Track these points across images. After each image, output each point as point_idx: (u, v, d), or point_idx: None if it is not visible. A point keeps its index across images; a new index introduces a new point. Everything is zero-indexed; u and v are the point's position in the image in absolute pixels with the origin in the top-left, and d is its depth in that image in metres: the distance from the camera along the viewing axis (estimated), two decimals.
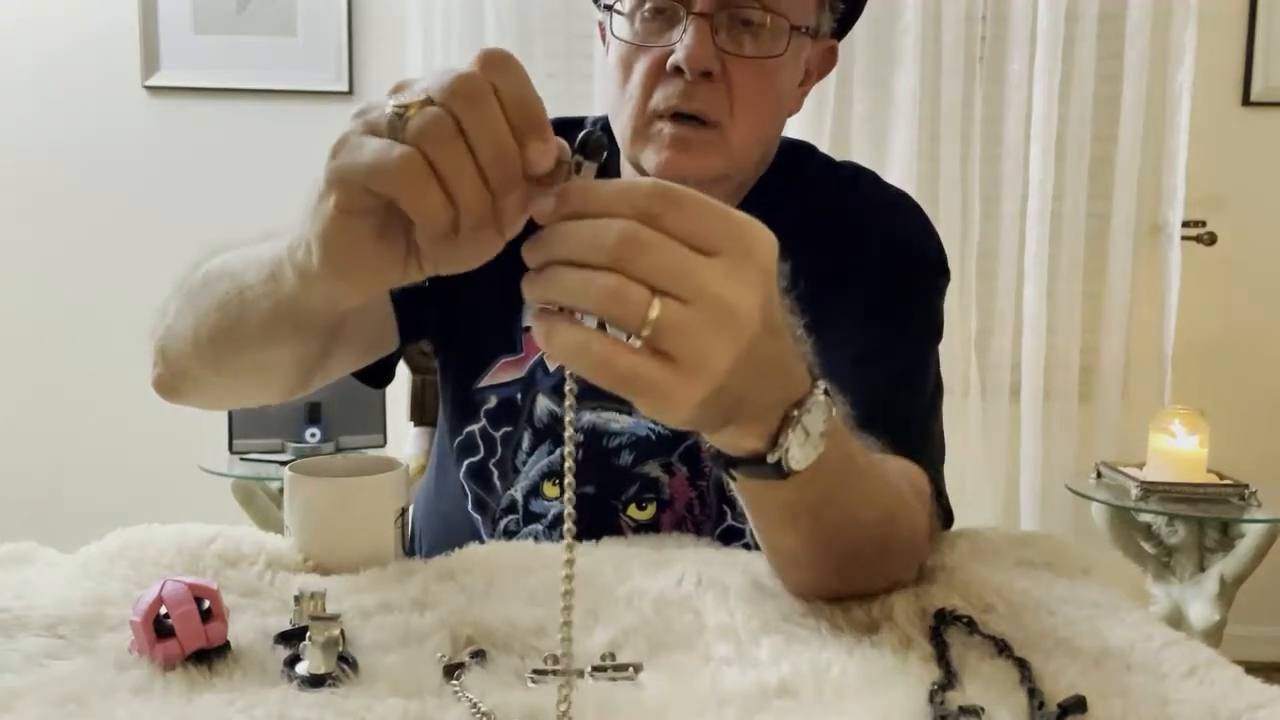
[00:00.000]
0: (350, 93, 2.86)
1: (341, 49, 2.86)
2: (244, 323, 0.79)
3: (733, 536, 1.03)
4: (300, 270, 0.65)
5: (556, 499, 1.03)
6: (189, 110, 2.89)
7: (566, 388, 0.58)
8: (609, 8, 0.99)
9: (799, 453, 0.63)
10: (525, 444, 1.05)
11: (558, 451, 1.04)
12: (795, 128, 2.69)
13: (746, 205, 0.89)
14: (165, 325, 0.89)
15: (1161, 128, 2.80)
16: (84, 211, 2.90)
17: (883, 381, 0.92)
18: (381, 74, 2.85)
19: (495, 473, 1.07)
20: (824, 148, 2.68)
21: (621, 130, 1.00)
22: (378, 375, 1.05)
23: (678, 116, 0.96)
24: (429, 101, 0.53)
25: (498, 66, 0.53)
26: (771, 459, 0.62)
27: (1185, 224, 2.81)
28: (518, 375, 1.05)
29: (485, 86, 0.53)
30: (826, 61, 1.09)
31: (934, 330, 1.08)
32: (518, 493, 1.05)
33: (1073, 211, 2.80)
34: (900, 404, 0.93)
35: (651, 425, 1.02)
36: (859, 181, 1.12)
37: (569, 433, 0.58)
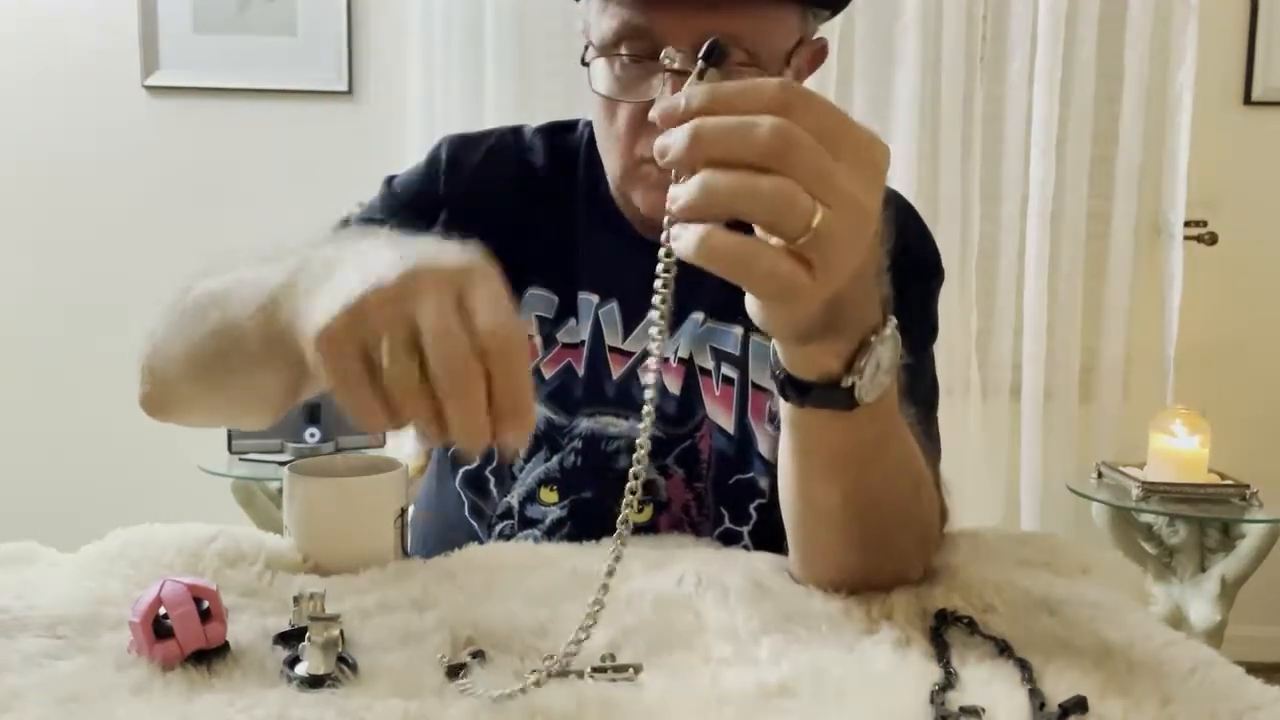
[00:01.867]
0: (350, 93, 2.86)
1: (341, 49, 2.86)
2: (235, 351, 0.77)
3: (731, 539, 1.02)
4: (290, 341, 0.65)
5: (553, 504, 1.03)
6: (189, 110, 2.89)
7: (645, 410, 0.62)
8: (586, 63, 0.96)
9: (869, 383, 0.65)
10: (522, 451, 1.05)
11: (555, 459, 1.04)
12: None
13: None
14: (154, 346, 0.88)
15: (1162, 128, 2.79)
16: (84, 211, 2.90)
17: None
18: (381, 74, 2.86)
19: (492, 479, 1.07)
20: None
21: (610, 169, 1.00)
22: None
23: None
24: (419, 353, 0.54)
25: (497, 333, 0.54)
26: (845, 383, 0.64)
27: (1186, 224, 2.81)
28: None
29: (476, 371, 0.53)
30: (816, 59, 1.09)
31: (930, 331, 1.09)
32: (514, 499, 1.05)
33: (1073, 211, 2.80)
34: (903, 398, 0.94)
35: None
36: None
37: (640, 452, 0.61)
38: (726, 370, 1.04)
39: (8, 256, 2.91)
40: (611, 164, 0.99)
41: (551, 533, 1.03)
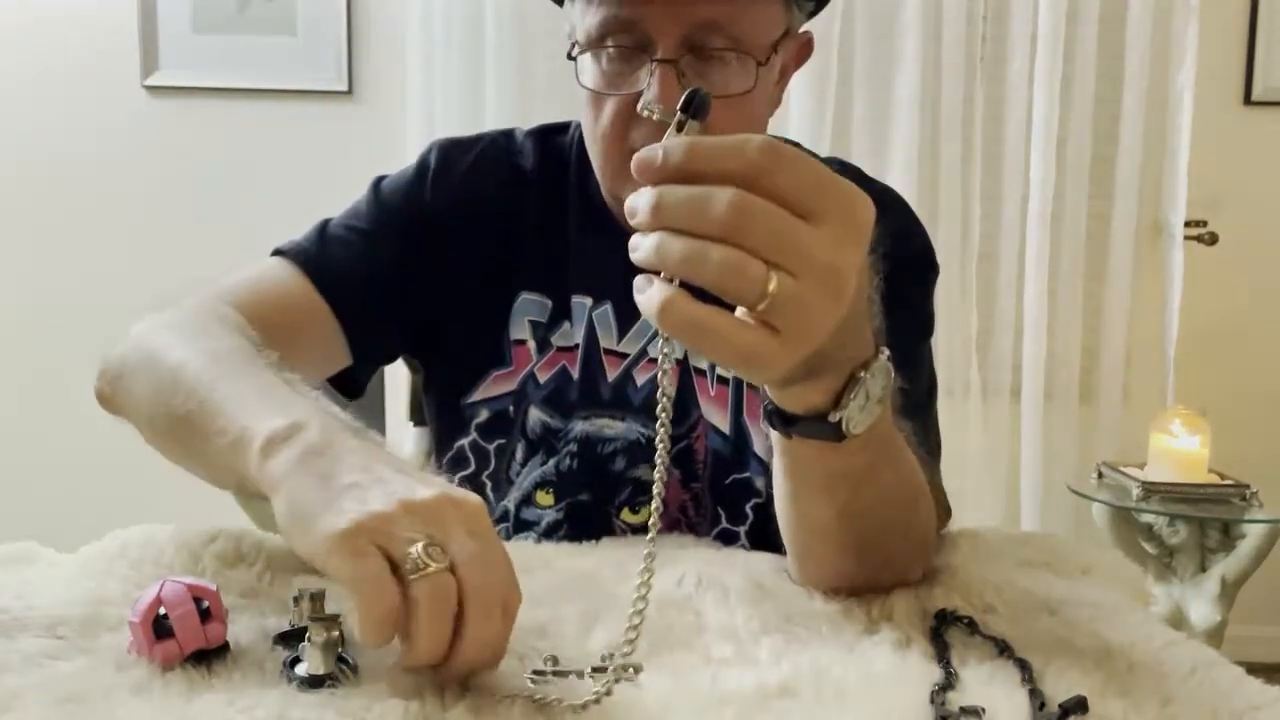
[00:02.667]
0: (350, 93, 2.86)
1: (341, 49, 2.86)
2: (200, 447, 0.78)
3: (728, 539, 1.02)
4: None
5: (549, 507, 1.03)
6: (189, 110, 2.89)
7: (659, 409, 0.62)
8: (573, 58, 0.96)
9: (859, 415, 0.64)
10: (519, 455, 1.05)
11: (551, 462, 1.04)
12: (796, 129, 2.70)
13: None
14: (116, 372, 0.92)
15: (1162, 128, 2.79)
16: (83, 211, 2.90)
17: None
18: (381, 74, 2.86)
19: (489, 484, 1.06)
20: (824, 148, 2.69)
21: (598, 166, 1.00)
22: (349, 385, 1.04)
23: None
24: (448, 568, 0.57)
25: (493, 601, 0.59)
26: (833, 418, 0.63)
27: (1186, 224, 2.81)
28: (509, 388, 1.05)
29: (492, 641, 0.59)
30: (803, 53, 1.07)
31: (927, 325, 1.09)
32: (510, 503, 1.05)
33: (1073, 211, 2.80)
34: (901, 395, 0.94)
35: (643, 430, 1.02)
36: (846, 175, 1.11)
37: (660, 458, 0.65)
38: (721, 370, 1.04)
39: (7, 256, 2.91)
40: (600, 161, 0.99)
41: (548, 535, 1.03)
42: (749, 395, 1.03)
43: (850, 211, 0.54)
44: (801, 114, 2.72)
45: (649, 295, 0.53)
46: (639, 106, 0.89)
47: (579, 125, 1.08)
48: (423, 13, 2.75)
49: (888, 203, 1.09)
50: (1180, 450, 2.36)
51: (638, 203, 0.53)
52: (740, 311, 0.54)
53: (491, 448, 1.06)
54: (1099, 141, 2.80)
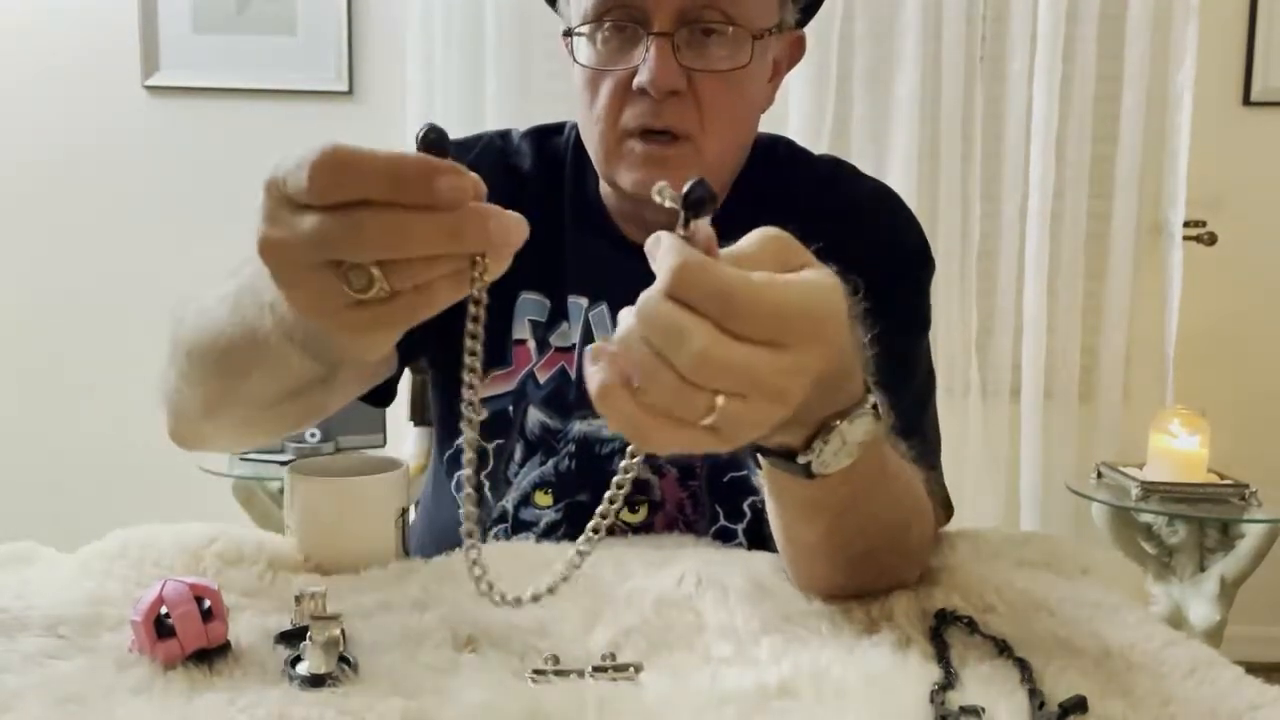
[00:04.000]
0: (350, 93, 2.86)
1: (341, 49, 2.86)
2: (259, 390, 0.78)
3: (726, 537, 1.02)
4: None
5: (548, 507, 1.03)
6: (189, 110, 2.89)
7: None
8: (570, 33, 0.97)
9: (832, 459, 0.62)
10: (517, 456, 1.05)
11: (550, 463, 1.04)
12: (796, 129, 2.70)
13: (726, 206, 0.92)
14: (171, 386, 0.88)
15: (1162, 128, 2.79)
16: (84, 211, 2.90)
17: (878, 372, 0.93)
18: (381, 74, 2.86)
19: (487, 484, 1.06)
20: (824, 148, 2.69)
21: (594, 149, 1.00)
22: (380, 395, 1.03)
23: (648, 133, 0.95)
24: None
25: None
26: (801, 460, 0.62)
27: (1186, 224, 2.81)
28: (508, 388, 1.05)
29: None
30: (795, 52, 1.08)
31: (924, 321, 1.08)
32: (508, 503, 1.05)
33: (1073, 211, 2.80)
34: (896, 392, 0.94)
35: None
36: (839, 175, 1.12)
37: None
38: None
39: (8, 256, 2.91)
40: (596, 143, 0.99)
41: (546, 535, 1.03)
42: None
43: (815, 334, 0.54)
44: (801, 114, 2.72)
45: (593, 378, 0.53)
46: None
47: (574, 126, 1.08)
48: (423, 13, 2.75)
49: (883, 200, 1.10)
50: (1179, 450, 2.36)
51: (594, 375, 0.53)
52: None
53: (490, 447, 1.06)
54: (1099, 141, 2.80)
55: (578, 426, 1.03)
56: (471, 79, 2.75)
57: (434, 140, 0.54)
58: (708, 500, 1.03)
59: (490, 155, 1.09)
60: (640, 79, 0.93)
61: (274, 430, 0.89)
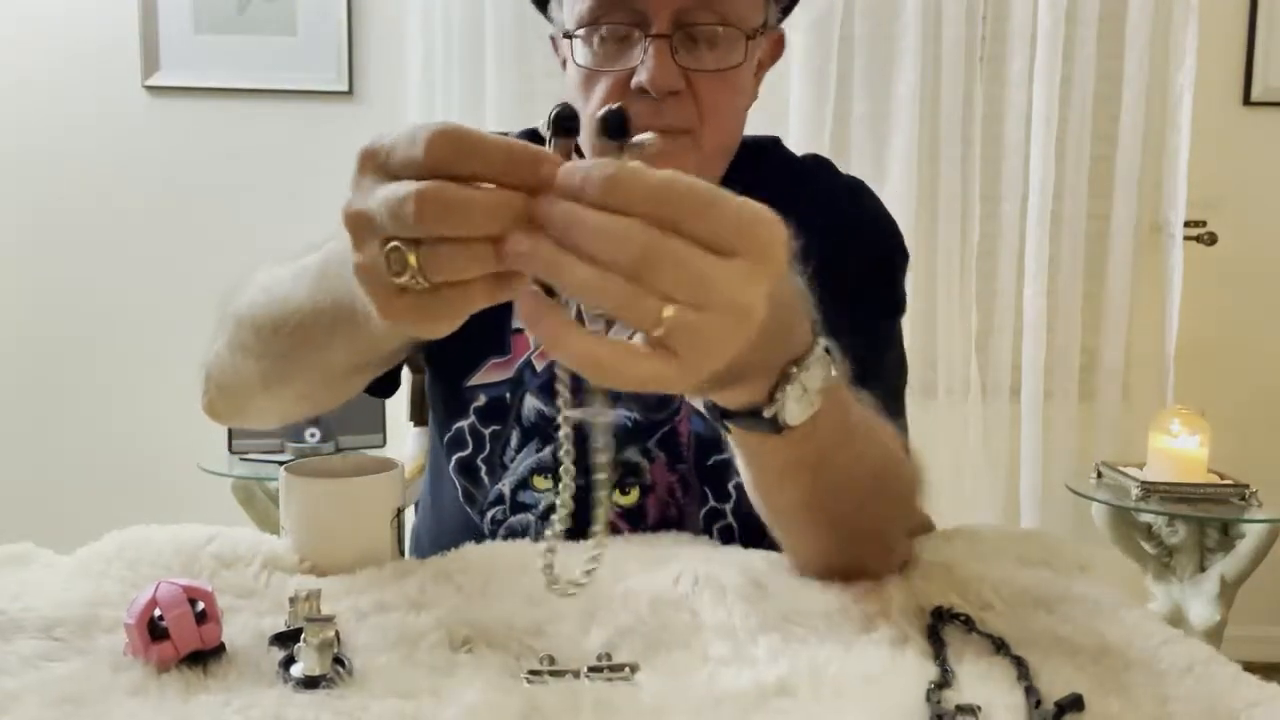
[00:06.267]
0: (350, 93, 2.86)
1: (341, 49, 2.86)
2: (337, 360, 0.81)
3: (716, 517, 1.05)
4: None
5: (546, 490, 1.05)
6: (189, 110, 2.89)
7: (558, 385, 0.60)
8: (569, 35, 1.00)
9: (795, 408, 0.64)
10: (514, 442, 1.07)
11: (546, 449, 1.06)
12: (796, 129, 2.70)
13: None
14: (216, 354, 0.92)
15: (1162, 128, 2.79)
16: (84, 212, 2.90)
17: (854, 352, 0.94)
18: (381, 74, 2.86)
19: (483, 468, 1.09)
20: (824, 148, 2.70)
21: (591, 145, 1.01)
22: (385, 386, 1.06)
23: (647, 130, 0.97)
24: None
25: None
26: (767, 413, 0.63)
27: (1186, 224, 2.81)
28: (506, 375, 1.08)
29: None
30: (776, 50, 1.12)
31: (897, 305, 1.13)
32: (505, 487, 1.07)
33: (1073, 211, 2.80)
34: (869, 369, 0.96)
35: (628, 414, 1.05)
36: (819, 171, 1.17)
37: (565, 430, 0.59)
38: None
39: (7, 256, 2.91)
40: (593, 139, 1.00)
41: (545, 517, 1.05)
42: None
43: (763, 247, 0.52)
44: (801, 114, 2.72)
45: (541, 327, 0.52)
46: (633, 83, 0.95)
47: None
48: (423, 13, 2.75)
49: (857, 194, 1.15)
50: (1179, 450, 2.36)
51: (546, 210, 0.51)
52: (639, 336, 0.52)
53: (487, 433, 1.08)
54: (1098, 141, 2.80)
55: (574, 413, 1.05)
56: (471, 79, 2.74)
57: (566, 121, 0.54)
58: (696, 483, 1.05)
59: None
60: (640, 79, 0.96)
61: (331, 402, 0.93)
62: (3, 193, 2.89)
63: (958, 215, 2.78)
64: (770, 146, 1.18)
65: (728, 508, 1.05)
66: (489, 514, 1.08)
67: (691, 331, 0.51)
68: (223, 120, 2.89)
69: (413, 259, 0.51)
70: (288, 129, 2.88)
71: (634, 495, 1.05)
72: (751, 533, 0.98)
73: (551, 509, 1.04)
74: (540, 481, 1.06)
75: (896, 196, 2.70)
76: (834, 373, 0.65)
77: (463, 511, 1.10)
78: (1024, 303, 2.81)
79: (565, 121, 0.54)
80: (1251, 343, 2.96)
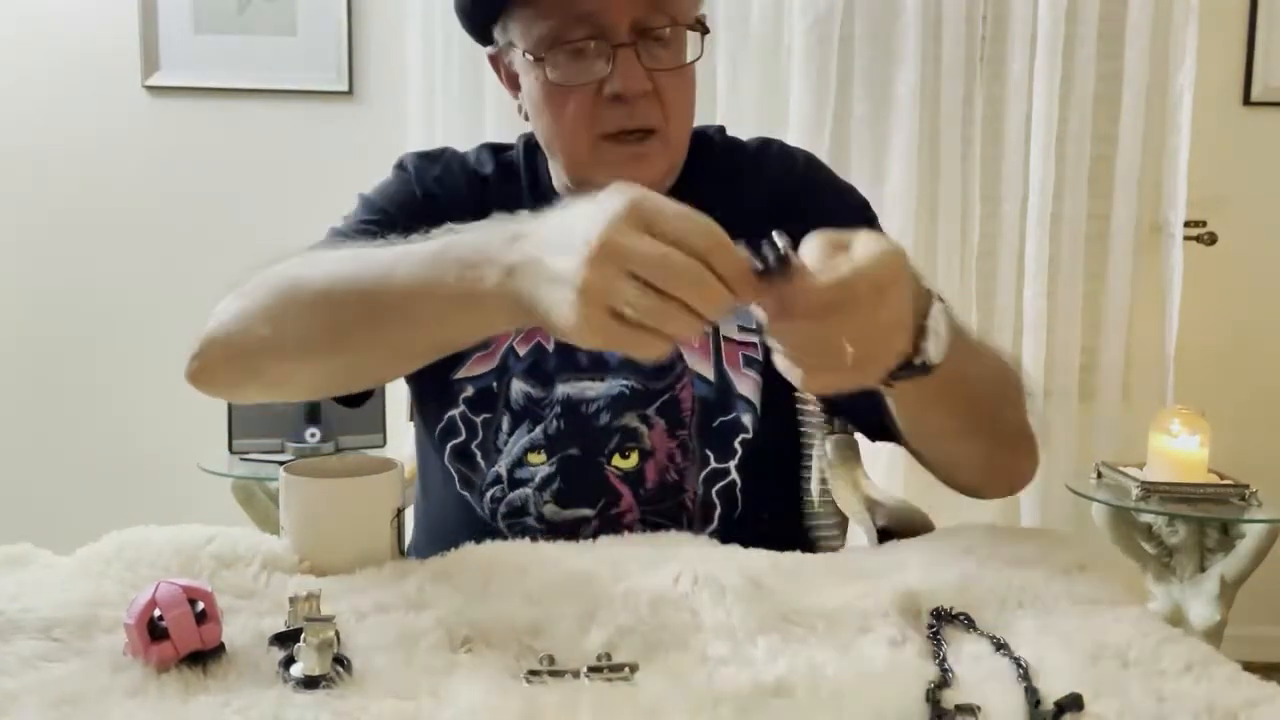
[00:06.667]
0: (350, 93, 2.86)
1: (341, 49, 2.86)
2: (424, 337, 0.88)
3: (718, 478, 1.09)
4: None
5: (540, 464, 1.09)
6: (189, 110, 2.89)
7: None
8: (540, 59, 1.05)
9: (935, 349, 0.79)
10: (505, 426, 1.11)
11: (538, 428, 1.10)
12: (796, 129, 2.70)
13: (680, 187, 1.11)
14: (234, 318, 0.93)
15: (1162, 128, 2.79)
16: (83, 212, 2.90)
17: None
18: (381, 74, 2.86)
19: (478, 454, 1.12)
20: (824, 148, 2.70)
21: (565, 156, 1.10)
22: (360, 395, 1.09)
23: (622, 134, 1.05)
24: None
25: (697, 237, 0.67)
26: (917, 361, 0.79)
27: (1186, 224, 2.80)
28: (491, 366, 1.12)
29: (698, 267, 0.66)
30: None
31: None
32: (501, 468, 1.11)
33: (1073, 211, 2.79)
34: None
35: (625, 382, 1.10)
36: (769, 150, 1.23)
37: None
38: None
39: (6, 256, 2.91)
40: (568, 151, 1.09)
41: (542, 488, 1.08)
42: (726, 347, 1.12)
43: (895, 276, 0.72)
44: (801, 114, 2.71)
45: (798, 379, 0.74)
46: (606, 91, 1.04)
47: (523, 139, 1.22)
48: (423, 13, 2.74)
49: (816, 166, 1.24)
50: (1179, 450, 2.36)
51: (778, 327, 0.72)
52: None
53: (479, 420, 1.12)
54: (1098, 142, 2.79)
55: (560, 389, 1.11)
56: (471, 79, 2.74)
57: (777, 258, 0.68)
58: (697, 446, 1.10)
59: (458, 161, 1.22)
60: (614, 87, 1.03)
61: (383, 378, 1.03)
62: (3, 192, 2.89)
63: (958, 215, 2.78)
64: (716, 134, 1.24)
65: (732, 464, 1.10)
66: (487, 494, 1.11)
67: (868, 359, 0.73)
68: (223, 120, 2.89)
69: (642, 301, 0.65)
70: (288, 129, 2.88)
71: (634, 459, 1.09)
72: (753, 485, 1.10)
73: (546, 480, 1.09)
74: (534, 457, 1.10)
75: (896, 196, 2.70)
76: (948, 309, 0.81)
77: (458, 498, 1.12)
78: (1024, 303, 2.81)
79: (778, 263, 0.68)
80: (1251, 343, 2.96)
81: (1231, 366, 2.92)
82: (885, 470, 2.09)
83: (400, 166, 1.22)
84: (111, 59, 2.85)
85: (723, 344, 1.12)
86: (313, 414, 2.39)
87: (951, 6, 2.73)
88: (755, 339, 1.13)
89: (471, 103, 2.73)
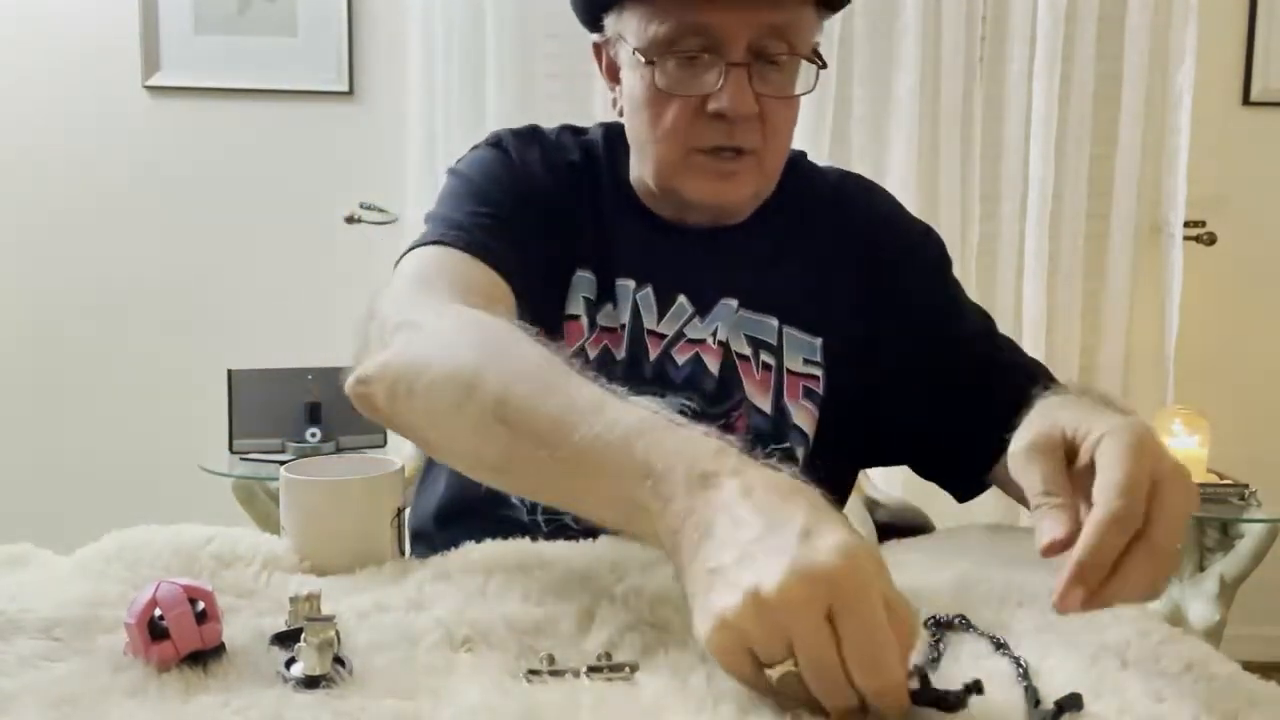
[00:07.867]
0: (350, 93, 2.86)
1: (341, 49, 2.86)
2: (544, 484, 0.79)
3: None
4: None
5: None
6: (189, 110, 2.89)
7: None
8: (650, 63, 1.04)
9: None
10: None
11: None
12: (796, 129, 2.69)
13: (767, 207, 1.14)
14: (407, 383, 0.84)
15: (1162, 128, 2.79)
16: (83, 212, 2.90)
17: (966, 329, 1.27)
18: (381, 74, 2.86)
19: None
20: (824, 147, 2.70)
21: (655, 161, 1.08)
22: None
23: (717, 150, 1.04)
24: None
25: (870, 680, 0.57)
26: None
27: (1185, 224, 2.80)
28: None
29: (850, 695, 0.57)
30: None
31: (974, 305, 1.33)
32: None
33: (1073, 211, 2.79)
34: (985, 332, 1.30)
35: (686, 402, 1.09)
36: (847, 182, 1.25)
37: None
38: (765, 357, 1.12)
39: (6, 255, 2.91)
40: (662, 156, 1.07)
41: None
42: (789, 380, 1.12)
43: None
44: (801, 114, 2.70)
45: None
46: (710, 107, 1.03)
47: (603, 129, 1.20)
48: (423, 13, 2.74)
49: (895, 203, 1.27)
50: (1179, 450, 2.36)
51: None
52: None
53: None
54: (1098, 141, 2.79)
55: None
56: (472, 79, 2.74)
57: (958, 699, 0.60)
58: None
59: (551, 142, 1.18)
60: (720, 105, 1.02)
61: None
62: (3, 192, 2.89)
63: (957, 215, 2.78)
64: (799, 159, 1.22)
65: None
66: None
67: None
68: (223, 120, 2.89)
69: (788, 679, 0.58)
70: (288, 129, 2.88)
71: None
72: None
73: None
74: None
75: (896, 196, 2.70)
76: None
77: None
78: (1024, 302, 2.81)
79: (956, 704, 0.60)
80: (1251, 343, 2.96)
81: (1231, 366, 2.92)
82: (885, 470, 2.09)
83: (497, 145, 1.16)
84: (112, 59, 2.85)
85: (785, 376, 1.12)
86: (313, 414, 2.39)
87: (951, 6, 2.73)
88: (817, 371, 1.13)
89: (472, 103, 2.73)
